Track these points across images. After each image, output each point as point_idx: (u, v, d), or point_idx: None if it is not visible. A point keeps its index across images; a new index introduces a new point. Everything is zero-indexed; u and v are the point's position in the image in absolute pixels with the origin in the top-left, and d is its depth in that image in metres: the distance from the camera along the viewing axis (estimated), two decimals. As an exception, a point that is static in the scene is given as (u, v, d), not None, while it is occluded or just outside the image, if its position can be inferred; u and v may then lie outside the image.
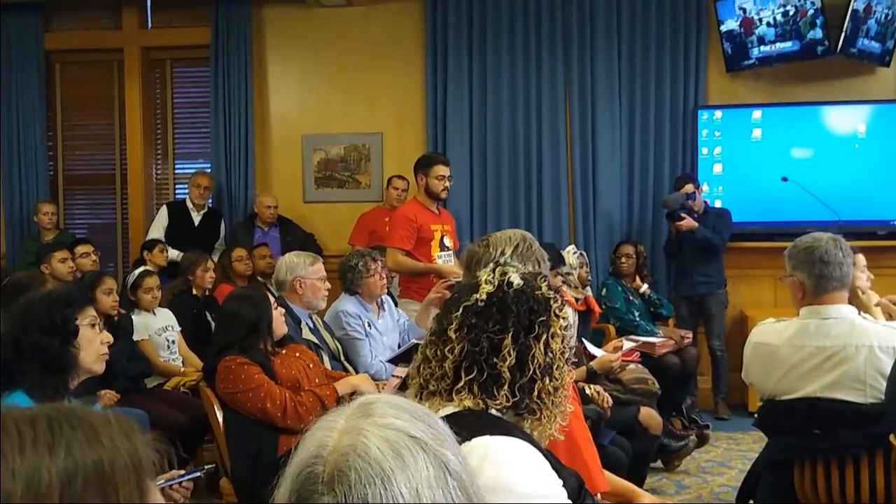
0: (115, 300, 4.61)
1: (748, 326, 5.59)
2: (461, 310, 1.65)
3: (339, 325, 4.24)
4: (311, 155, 7.09)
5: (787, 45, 6.18)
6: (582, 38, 6.59)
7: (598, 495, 2.08)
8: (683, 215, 5.92)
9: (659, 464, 4.77)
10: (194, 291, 5.54)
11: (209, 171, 7.07)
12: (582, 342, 4.59)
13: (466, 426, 1.37)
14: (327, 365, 3.84)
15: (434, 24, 6.73)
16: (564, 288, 4.76)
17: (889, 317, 3.23)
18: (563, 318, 1.69)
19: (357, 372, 4.00)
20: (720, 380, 6.12)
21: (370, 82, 6.92)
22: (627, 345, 4.61)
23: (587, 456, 2.17)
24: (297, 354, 3.55)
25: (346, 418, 0.96)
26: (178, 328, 5.09)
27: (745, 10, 6.25)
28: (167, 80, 7.40)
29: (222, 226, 6.89)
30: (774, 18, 6.18)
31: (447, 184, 5.18)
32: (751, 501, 3.02)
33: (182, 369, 4.92)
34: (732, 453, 5.21)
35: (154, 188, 7.48)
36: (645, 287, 5.99)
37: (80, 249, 5.81)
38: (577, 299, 5.03)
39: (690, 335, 5.74)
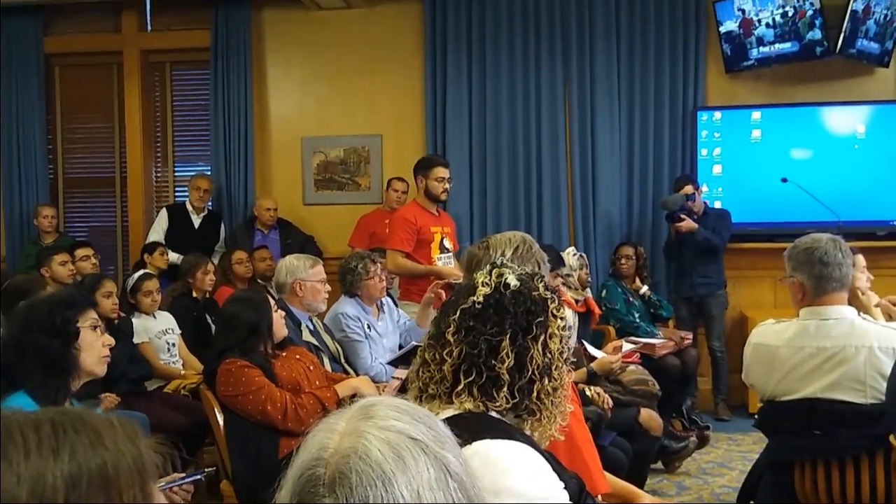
0: (114, 303, 4.61)
1: (748, 327, 5.59)
2: (458, 312, 1.65)
3: (339, 328, 4.25)
4: (310, 157, 7.10)
5: (786, 46, 6.19)
6: (581, 40, 6.59)
7: (599, 497, 2.08)
8: (683, 216, 5.93)
9: (659, 465, 4.77)
10: (194, 294, 5.54)
11: (209, 173, 7.07)
12: (582, 344, 4.59)
13: (467, 429, 1.37)
14: (328, 367, 3.85)
15: (433, 26, 6.74)
16: (564, 289, 4.77)
17: (889, 317, 3.23)
18: (561, 319, 1.68)
19: (357, 374, 4.00)
20: (720, 381, 6.12)
21: (369, 85, 6.93)
22: (627, 346, 4.61)
23: (588, 457, 2.17)
24: (298, 357, 3.55)
25: (347, 421, 0.96)
26: (178, 331, 5.09)
27: (744, 11, 6.26)
28: (167, 83, 7.41)
29: (222, 228, 6.90)
30: (773, 19, 6.18)
31: (447, 186, 5.18)
32: (751, 502, 3.02)
33: (182, 372, 4.92)
34: (733, 454, 5.21)
35: (154, 191, 7.48)
36: (645, 288, 6.00)
37: (80, 252, 5.82)
38: (576, 301, 5.03)
39: (690, 336, 5.74)
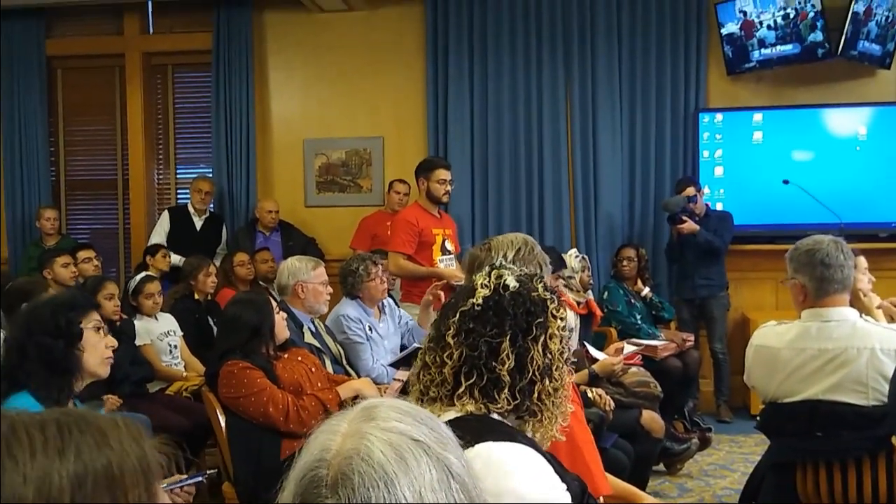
0: (116, 305, 4.61)
1: (750, 329, 5.59)
2: (458, 315, 1.65)
3: (340, 329, 4.25)
4: (312, 159, 7.10)
5: (787, 48, 6.19)
6: (582, 42, 6.60)
7: (601, 498, 2.08)
8: (685, 218, 5.93)
9: (661, 467, 4.77)
10: (196, 296, 5.54)
11: (210, 176, 7.08)
12: (584, 345, 4.59)
13: (469, 431, 1.37)
14: (329, 369, 3.85)
15: (434, 29, 6.74)
16: (566, 291, 4.77)
17: (891, 319, 3.23)
18: (561, 319, 1.68)
19: (359, 376, 4.00)
20: (722, 383, 6.12)
21: (371, 87, 6.93)
22: (629, 348, 4.61)
23: (589, 459, 2.17)
24: (300, 358, 3.55)
25: (350, 422, 0.96)
26: (180, 333, 5.09)
27: (745, 13, 6.26)
28: (169, 86, 7.42)
29: (224, 230, 6.90)
30: (775, 21, 6.18)
31: (448, 188, 5.18)
32: (753, 504, 3.02)
33: (184, 374, 4.92)
34: (735, 456, 5.21)
35: (156, 193, 7.49)
36: (646, 290, 6.00)
37: (82, 254, 5.83)
38: (578, 303, 5.03)
39: (692, 338, 5.73)
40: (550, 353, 1.64)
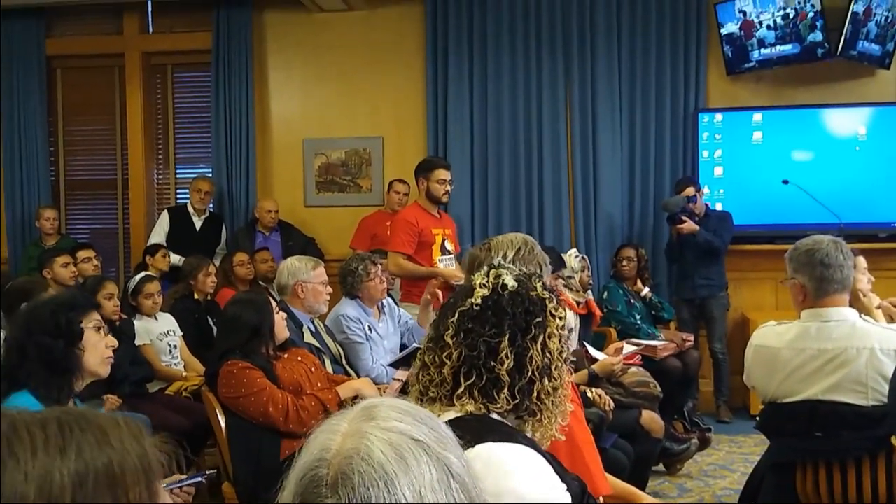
0: (116, 305, 4.61)
1: (749, 329, 5.59)
2: (457, 315, 1.64)
3: (340, 329, 4.25)
4: (311, 159, 7.10)
5: (787, 48, 6.19)
6: (582, 42, 6.60)
7: (601, 498, 2.08)
8: (684, 218, 5.93)
9: (661, 467, 4.77)
10: (196, 296, 5.54)
11: (210, 175, 7.08)
12: (583, 346, 4.59)
13: (469, 431, 1.37)
14: (329, 369, 3.85)
15: (434, 29, 6.75)
16: (565, 291, 4.77)
17: (890, 319, 3.23)
18: (560, 318, 1.68)
19: (358, 376, 4.00)
20: (722, 383, 6.12)
21: (371, 86, 6.93)
22: (628, 348, 4.61)
23: (589, 460, 2.17)
24: (299, 358, 3.55)
25: (350, 422, 0.96)
26: (179, 333, 5.09)
27: (745, 13, 6.26)
28: (168, 85, 7.42)
29: (223, 230, 6.90)
30: (774, 21, 6.18)
31: (448, 188, 5.18)
32: (753, 504, 3.02)
33: (184, 374, 4.92)
34: (734, 456, 5.21)
35: (155, 193, 7.49)
36: (646, 290, 6.00)
37: (81, 254, 5.82)
38: (578, 303, 5.03)
39: (692, 338, 5.73)
40: (549, 352, 1.64)
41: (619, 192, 6.61)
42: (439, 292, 4.09)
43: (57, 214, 6.93)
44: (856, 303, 3.00)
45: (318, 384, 3.49)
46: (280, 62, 7.12)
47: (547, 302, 1.67)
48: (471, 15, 6.70)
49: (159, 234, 6.65)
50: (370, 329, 4.30)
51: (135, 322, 4.85)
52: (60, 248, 6.08)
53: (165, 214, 6.82)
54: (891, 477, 2.67)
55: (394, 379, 3.88)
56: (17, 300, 4.04)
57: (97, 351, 2.48)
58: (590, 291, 5.49)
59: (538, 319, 1.64)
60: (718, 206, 6.39)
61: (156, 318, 5.00)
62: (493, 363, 1.60)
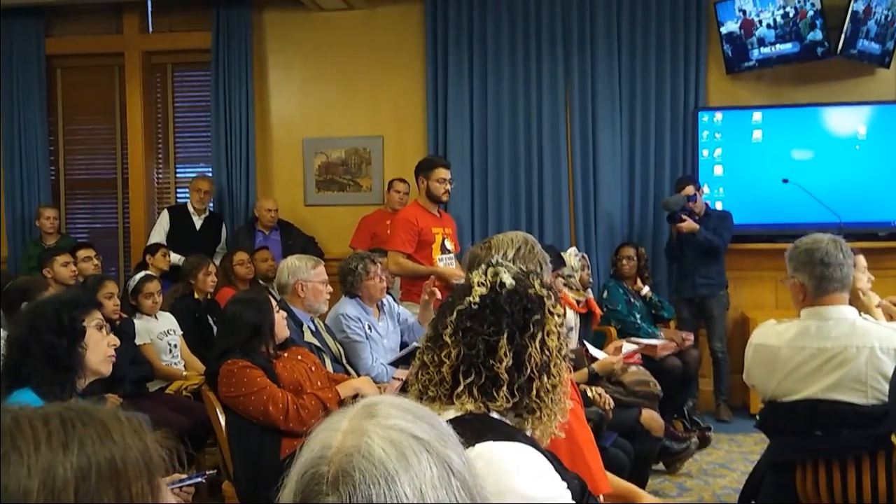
0: (116, 304, 4.62)
1: (749, 328, 5.60)
2: (455, 314, 1.64)
3: (340, 328, 4.25)
4: (311, 158, 7.11)
5: (787, 47, 6.19)
6: (582, 41, 6.60)
7: (601, 497, 2.08)
8: (684, 217, 5.93)
9: (660, 466, 4.77)
10: (196, 295, 5.55)
11: (210, 175, 7.08)
12: (583, 344, 4.60)
13: (469, 430, 1.37)
14: (329, 368, 3.85)
15: (434, 28, 6.74)
16: (565, 290, 4.77)
17: (890, 318, 3.23)
18: (558, 316, 1.68)
19: (358, 375, 4.00)
20: (722, 382, 6.12)
21: (371, 86, 6.93)
22: (628, 347, 4.61)
23: (589, 458, 2.17)
24: (299, 357, 3.55)
25: (350, 419, 0.96)
26: (179, 332, 5.09)
27: (745, 12, 6.26)
28: (168, 85, 7.42)
29: (223, 229, 6.90)
30: (774, 20, 6.18)
31: (448, 187, 5.19)
32: (752, 503, 3.02)
33: (184, 373, 4.92)
34: (734, 455, 5.21)
35: (155, 192, 7.49)
36: (646, 289, 6.00)
37: (81, 253, 5.82)
38: (578, 301, 5.03)
39: (692, 337, 5.74)
40: (548, 349, 1.64)
41: (618, 191, 6.61)
42: (437, 290, 4.09)
43: (57, 214, 6.94)
44: (856, 301, 3.00)
45: (319, 383, 3.49)
46: (280, 61, 7.12)
47: (545, 299, 1.67)
48: (471, 14, 6.70)
49: (159, 234, 6.65)
50: (370, 328, 4.30)
51: (135, 321, 4.85)
52: (60, 248, 6.08)
53: (165, 214, 6.82)
54: (891, 476, 2.67)
55: (393, 378, 3.88)
56: (18, 299, 4.05)
57: (99, 349, 2.50)
58: (590, 290, 5.49)
59: (536, 317, 1.64)
60: (718, 205, 6.39)
61: (156, 318, 5.00)
62: (491, 361, 1.60)
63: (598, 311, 5.31)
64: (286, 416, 3.21)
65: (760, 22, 6.22)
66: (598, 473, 2.17)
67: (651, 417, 4.17)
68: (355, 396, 3.31)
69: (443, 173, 5.14)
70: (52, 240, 6.72)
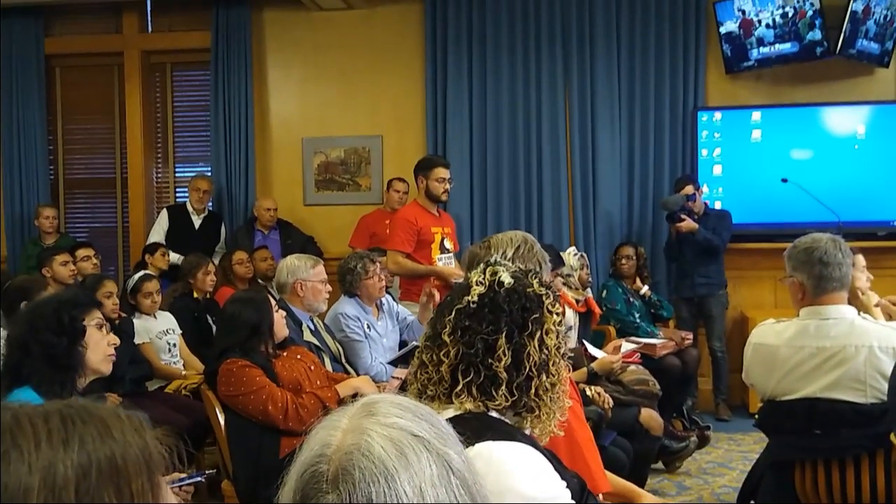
0: (115, 303, 4.62)
1: (749, 327, 5.59)
2: (454, 313, 1.64)
3: (339, 328, 4.25)
4: (311, 158, 7.10)
5: (786, 47, 6.19)
6: (581, 41, 6.60)
7: (601, 496, 2.09)
8: (683, 217, 5.93)
9: (660, 465, 4.78)
10: (195, 294, 5.55)
11: (209, 174, 7.08)
12: (583, 344, 4.60)
13: (468, 430, 1.37)
14: (329, 367, 3.85)
15: (434, 28, 6.74)
16: (565, 290, 4.77)
17: (889, 317, 3.23)
18: (557, 314, 1.68)
19: (357, 374, 4.00)
20: (721, 381, 6.12)
21: (370, 85, 6.93)
22: (627, 346, 4.61)
23: (589, 457, 2.17)
24: (299, 357, 3.56)
25: (350, 418, 0.96)
26: (179, 331, 5.09)
27: (744, 12, 6.26)
28: (167, 84, 7.42)
29: (223, 229, 6.90)
30: (773, 20, 6.19)
31: (447, 186, 5.19)
32: (752, 502, 3.02)
33: (183, 372, 4.92)
34: (733, 454, 5.21)
35: (154, 192, 7.49)
36: (645, 289, 6.00)
37: (80, 253, 5.82)
38: (577, 301, 5.04)
39: (691, 336, 5.74)
40: (547, 348, 1.64)
41: (618, 191, 6.61)
42: (436, 292, 4.09)
43: (56, 213, 6.93)
44: (854, 301, 3.00)
45: (318, 382, 3.49)
46: (279, 61, 7.12)
47: (544, 298, 1.67)
48: (470, 14, 6.70)
49: (158, 233, 6.65)
50: (369, 327, 4.30)
51: (134, 320, 4.85)
52: (59, 247, 6.08)
53: (164, 213, 6.81)
54: (889, 475, 2.68)
55: (392, 377, 3.88)
56: (17, 299, 4.05)
57: (99, 348, 2.50)
58: (589, 289, 5.50)
59: (535, 316, 1.64)
60: (717, 205, 6.39)
61: (155, 317, 5.00)
62: (490, 360, 1.60)
63: (597, 310, 5.32)
64: (285, 415, 3.22)
65: (759, 22, 6.22)
66: (597, 472, 2.17)
67: (650, 416, 4.17)
68: (354, 395, 3.31)
69: (442, 173, 5.14)
70: (52, 239, 6.72)
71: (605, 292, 5.90)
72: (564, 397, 1.69)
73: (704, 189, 6.31)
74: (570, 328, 4.60)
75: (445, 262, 5.05)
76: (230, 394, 3.25)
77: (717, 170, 6.50)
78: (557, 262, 4.07)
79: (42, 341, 2.39)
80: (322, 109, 7.05)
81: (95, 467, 0.79)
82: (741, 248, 6.32)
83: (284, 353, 3.52)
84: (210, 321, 5.35)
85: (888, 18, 6.12)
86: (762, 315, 4.49)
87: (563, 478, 1.57)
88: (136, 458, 0.82)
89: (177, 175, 7.51)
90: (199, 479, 2.49)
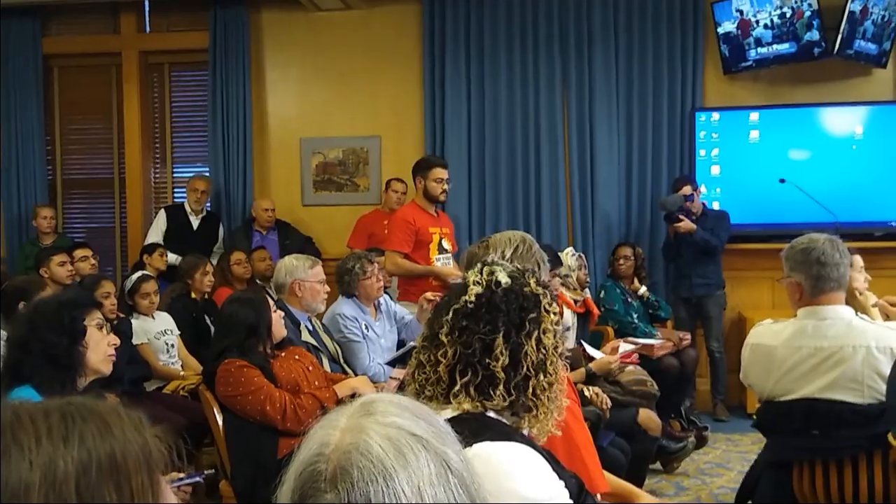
0: (113, 304, 4.62)
1: (746, 328, 5.59)
2: (451, 313, 1.64)
3: (337, 328, 4.25)
4: (309, 158, 7.10)
5: (784, 47, 6.20)
6: (579, 41, 6.60)
7: (599, 496, 2.09)
8: (682, 217, 5.93)
9: (658, 465, 4.78)
10: (193, 295, 5.54)
11: (207, 174, 7.07)
12: (581, 344, 4.60)
13: (467, 430, 1.37)
14: (327, 367, 3.85)
15: (432, 28, 6.74)
16: (563, 290, 4.77)
17: (886, 317, 3.24)
18: (554, 314, 1.68)
19: (356, 374, 4.00)
20: (719, 381, 6.12)
21: (368, 86, 6.93)
22: (625, 347, 4.61)
23: (587, 457, 2.17)
24: (297, 357, 3.55)
25: (349, 417, 0.96)
26: (177, 332, 5.09)
27: (742, 13, 6.27)
28: (165, 85, 7.41)
29: (221, 229, 6.90)
30: (771, 20, 6.19)
31: (446, 186, 5.19)
32: (749, 503, 3.02)
33: (181, 373, 4.92)
34: (731, 455, 5.22)
35: (152, 192, 7.48)
36: (643, 289, 6.00)
37: (78, 253, 5.81)
38: (575, 301, 5.04)
39: (689, 337, 5.74)
40: (544, 347, 1.64)
41: (616, 191, 6.62)
42: (432, 295, 4.08)
43: (54, 213, 6.92)
44: (852, 301, 3.01)
45: (316, 383, 3.49)
46: (277, 61, 7.11)
47: (541, 297, 1.67)
48: (468, 14, 6.70)
49: (156, 234, 6.65)
50: (367, 328, 4.30)
51: (132, 321, 4.85)
52: (57, 247, 6.07)
53: (162, 213, 6.81)
54: (887, 475, 2.68)
55: (390, 377, 3.88)
56: (15, 299, 4.04)
57: (100, 349, 2.51)
58: (587, 290, 5.50)
59: (532, 315, 1.64)
60: (715, 205, 6.39)
61: (153, 317, 5.00)
62: (488, 360, 1.60)
63: (595, 310, 5.32)
64: (283, 415, 3.21)
65: (757, 22, 6.23)
66: (595, 472, 2.17)
67: (648, 417, 4.17)
68: (353, 396, 3.31)
69: (440, 173, 5.15)
70: (49, 239, 6.71)
71: (602, 293, 5.90)
72: (562, 397, 1.69)
73: (702, 189, 6.32)
74: (567, 328, 4.60)
75: (443, 263, 5.05)
76: (228, 394, 3.25)
77: (715, 170, 6.50)
78: (555, 262, 4.07)
79: (43, 341, 2.40)
80: (320, 110, 7.05)
81: (96, 464, 0.80)
82: (739, 248, 6.33)
83: (282, 354, 3.51)
84: (208, 322, 5.35)
85: (886, 19, 6.13)
86: (760, 315, 4.50)
87: (561, 478, 1.57)
88: (135, 454, 0.83)
89: (175, 175, 7.50)
90: (197, 479, 2.49)
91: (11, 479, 0.76)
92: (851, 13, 5.98)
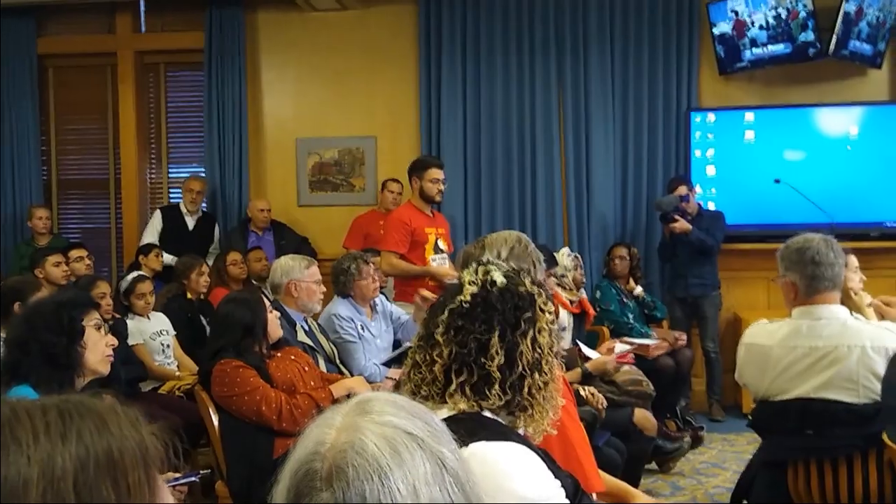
0: (108, 304, 4.62)
1: (742, 328, 5.59)
2: (447, 313, 1.65)
3: (333, 329, 4.25)
4: (305, 159, 7.10)
5: (779, 48, 6.21)
6: (575, 42, 6.61)
7: (594, 496, 2.09)
8: (677, 217, 5.94)
9: (653, 465, 4.79)
10: (189, 295, 5.54)
11: (203, 175, 7.06)
12: (577, 344, 4.61)
13: (463, 430, 1.37)
14: (323, 368, 3.85)
15: (428, 28, 6.75)
16: (558, 290, 4.78)
17: (881, 317, 3.24)
18: (549, 313, 1.68)
19: (351, 375, 4.00)
20: (714, 381, 6.14)
21: (364, 86, 6.93)
22: (621, 347, 4.63)
23: (583, 457, 2.17)
24: (293, 357, 3.55)
25: (344, 416, 0.96)
26: (172, 332, 5.09)
27: (737, 13, 6.28)
28: (161, 85, 7.40)
29: (216, 230, 6.89)
30: (766, 21, 6.20)
31: (441, 187, 5.19)
32: (745, 502, 3.03)
33: (177, 373, 4.92)
34: (727, 454, 5.22)
35: (148, 192, 7.47)
36: (639, 289, 6.01)
37: (73, 253, 5.80)
38: (571, 301, 5.04)
39: (684, 337, 5.76)
40: (539, 346, 1.65)
41: (611, 191, 6.62)
42: (429, 296, 4.08)
43: (49, 214, 6.90)
44: (847, 301, 3.01)
45: (312, 383, 3.49)
46: (273, 61, 7.11)
47: (536, 297, 1.68)
48: (464, 15, 6.70)
49: (152, 234, 6.64)
50: (363, 328, 4.30)
51: (128, 321, 4.85)
52: (52, 248, 6.06)
53: (158, 214, 6.80)
54: (882, 474, 2.68)
55: (386, 378, 3.89)
56: (10, 299, 4.04)
57: (98, 349, 2.52)
58: (583, 290, 5.50)
59: (527, 314, 1.65)
60: (711, 206, 6.40)
61: (148, 318, 5.00)
62: (483, 360, 1.60)
63: (591, 311, 5.33)
64: (279, 416, 3.21)
65: (752, 23, 6.24)
66: (591, 472, 2.18)
67: (644, 417, 4.18)
68: (349, 396, 3.31)
69: (436, 173, 5.15)
70: (44, 240, 6.69)
71: (598, 293, 5.91)
72: (557, 396, 1.70)
73: (698, 190, 6.32)
74: (563, 329, 4.61)
75: (439, 263, 5.06)
76: (224, 394, 3.25)
77: (711, 170, 6.51)
78: (551, 262, 4.08)
79: (41, 341, 2.41)
80: (316, 110, 7.04)
81: (93, 460, 0.80)
82: (734, 248, 6.34)
83: (278, 354, 3.51)
84: (204, 322, 5.34)
85: (880, 20, 6.15)
86: (755, 315, 4.50)
87: (557, 477, 1.57)
88: (132, 451, 0.83)
89: (170, 176, 7.49)
90: (192, 478, 2.50)
91: (10, 475, 0.77)
92: (846, 14, 5.99)
